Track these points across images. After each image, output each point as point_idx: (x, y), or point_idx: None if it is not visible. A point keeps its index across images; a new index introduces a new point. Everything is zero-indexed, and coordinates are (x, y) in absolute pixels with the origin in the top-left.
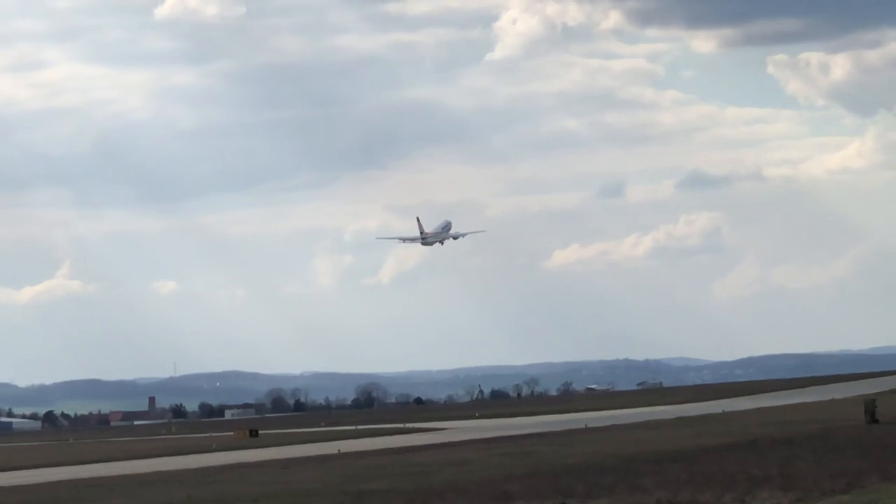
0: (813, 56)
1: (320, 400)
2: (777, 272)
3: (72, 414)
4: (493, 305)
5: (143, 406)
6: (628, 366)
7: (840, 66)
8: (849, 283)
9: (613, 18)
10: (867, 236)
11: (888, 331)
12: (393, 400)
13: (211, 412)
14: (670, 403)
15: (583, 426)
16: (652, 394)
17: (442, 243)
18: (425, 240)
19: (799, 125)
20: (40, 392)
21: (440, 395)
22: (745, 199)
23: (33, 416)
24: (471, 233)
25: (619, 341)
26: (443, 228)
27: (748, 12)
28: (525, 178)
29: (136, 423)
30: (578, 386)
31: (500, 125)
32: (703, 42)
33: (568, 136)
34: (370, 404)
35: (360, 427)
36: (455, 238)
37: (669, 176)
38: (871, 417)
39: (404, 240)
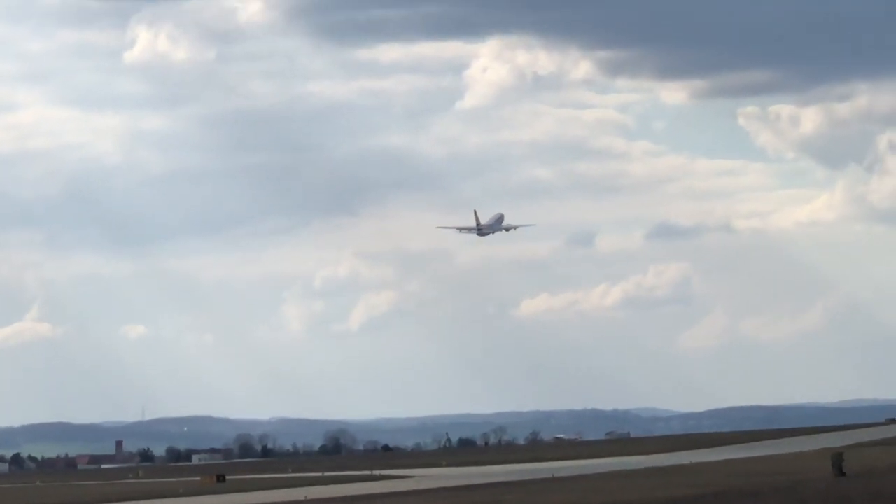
0: (783, 108)
1: (288, 446)
2: (746, 324)
3: (39, 457)
4: (461, 353)
5: (110, 450)
6: (596, 415)
7: (810, 118)
8: (817, 335)
9: (584, 68)
10: (836, 289)
11: (856, 384)
12: (361, 447)
13: (178, 457)
14: (638, 454)
15: (550, 476)
16: (620, 444)
17: (493, 233)
18: (481, 231)
19: (769, 177)
20: (7, 434)
21: (408, 443)
22: (714, 250)
23: (0, 459)
24: (522, 225)
25: (588, 391)
26: (496, 220)
27: (718, 64)
28: None
29: (103, 466)
30: (546, 435)
31: (471, 173)
32: (673, 93)
33: (538, 185)
34: (338, 451)
35: (327, 473)
36: (507, 230)
37: (639, 226)
38: (839, 471)
39: (461, 229)
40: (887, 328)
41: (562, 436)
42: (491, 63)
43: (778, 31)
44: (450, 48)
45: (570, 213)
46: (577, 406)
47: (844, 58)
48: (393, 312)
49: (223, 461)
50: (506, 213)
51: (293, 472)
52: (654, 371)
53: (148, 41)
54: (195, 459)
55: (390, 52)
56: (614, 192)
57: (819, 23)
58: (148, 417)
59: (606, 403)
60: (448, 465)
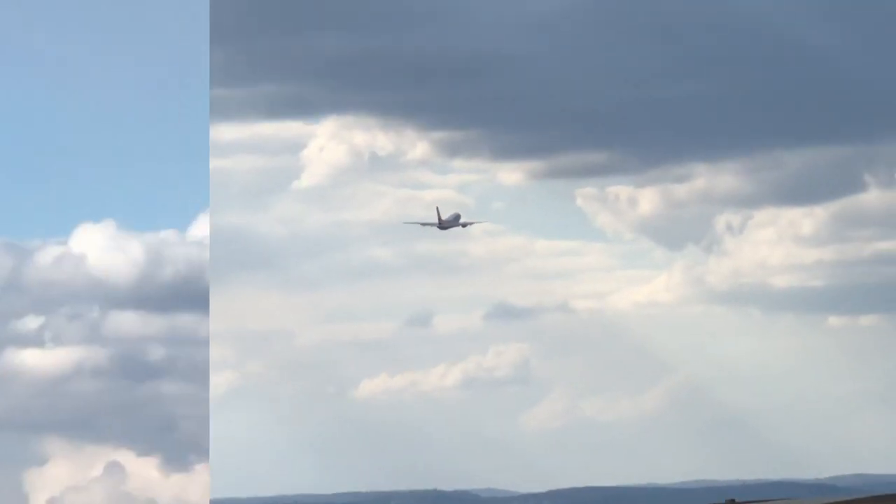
0: (622, 190)
1: None
2: (585, 404)
3: None
4: (301, 433)
5: None
6: (438, 496)
7: (648, 200)
8: (657, 416)
9: (421, 149)
10: (675, 370)
11: (695, 465)
12: None
13: None
14: None
15: None
16: None
17: (452, 227)
18: (442, 225)
19: (608, 258)
20: None
21: None
22: (553, 331)
23: None
24: (476, 222)
25: (429, 471)
26: (454, 218)
27: (554, 145)
28: (335, 307)
29: None
30: None
31: (311, 253)
32: (510, 174)
33: (378, 266)
34: None
35: None
36: (464, 226)
37: (478, 306)
38: None
39: (424, 224)
40: (726, 409)
41: None
42: (327, 143)
43: (614, 113)
44: (288, 128)
45: (409, 293)
46: (419, 486)
47: (682, 139)
48: (231, 392)
49: None
50: (345, 292)
51: None
52: (496, 451)
53: None
54: None
55: (230, 131)
56: (454, 272)
57: (655, 104)
58: None
59: (448, 483)
60: None
